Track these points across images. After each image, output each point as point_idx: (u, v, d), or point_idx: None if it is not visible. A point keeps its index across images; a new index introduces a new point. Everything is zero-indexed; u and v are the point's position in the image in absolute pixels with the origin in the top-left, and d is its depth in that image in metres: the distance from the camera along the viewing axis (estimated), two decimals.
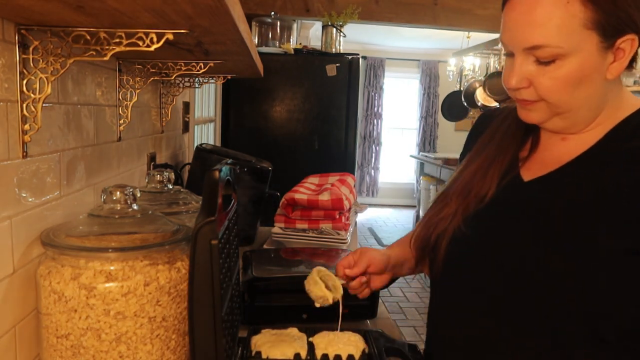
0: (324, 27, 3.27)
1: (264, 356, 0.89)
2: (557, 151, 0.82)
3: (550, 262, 0.73)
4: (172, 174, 1.19)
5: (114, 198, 0.85)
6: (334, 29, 3.23)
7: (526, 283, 0.76)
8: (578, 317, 0.72)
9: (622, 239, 0.69)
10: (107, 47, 0.80)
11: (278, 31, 3.40)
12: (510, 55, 0.78)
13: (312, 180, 2.01)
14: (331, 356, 0.89)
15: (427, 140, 8.03)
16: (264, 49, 3.19)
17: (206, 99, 2.99)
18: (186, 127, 2.26)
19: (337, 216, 1.70)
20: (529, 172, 0.84)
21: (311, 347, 0.92)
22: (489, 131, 0.93)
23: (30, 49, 0.79)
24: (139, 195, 0.88)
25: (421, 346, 0.98)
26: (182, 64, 1.26)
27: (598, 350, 0.73)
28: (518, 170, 0.85)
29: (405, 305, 4.03)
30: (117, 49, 0.80)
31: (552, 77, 0.73)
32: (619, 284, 0.69)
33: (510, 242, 0.79)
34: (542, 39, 0.70)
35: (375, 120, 7.85)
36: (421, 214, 6.17)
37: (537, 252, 0.75)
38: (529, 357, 0.76)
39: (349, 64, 3.12)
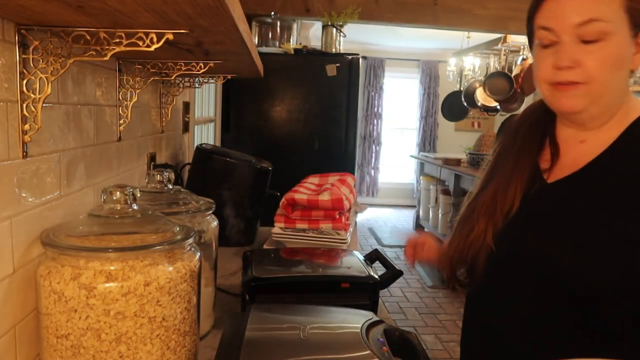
0: (324, 27, 3.27)
1: None
2: (577, 153, 0.88)
3: (573, 255, 0.80)
4: (172, 174, 1.19)
5: (114, 198, 0.85)
6: (334, 29, 3.23)
7: (554, 281, 0.83)
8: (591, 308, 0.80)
9: (624, 231, 0.78)
10: (107, 47, 0.80)
11: (278, 31, 3.40)
12: (549, 46, 0.85)
13: (312, 180, 2.01)
14: None
15: (427, 140, 8.03)
16: (264, 49, 3.19)
17: (206, 99, 2.99)
18: (186, 127, 2.26)
19: (337, 216, 1.70)
20: (552, 177, 0.90)
21: None
22: (507, 137, 0.99)
23: (30, 49, 0.79)
24: (139, 195, 0.88)
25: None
26: (182, 64, 1.26)
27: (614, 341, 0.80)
28: (543, 180, 0.91)
29: (405, 305, 4.03)
30: (117, 49, 0.80)
31: (598, 57, 0.80)
32: (621, 272, 0.77)
33: (538, 245, 0.86)
34: (596, 12, 0.79)
35: (375, 120, 7.85)
36: (421, 214, 6.17)
37: (561, 248, 0.82)
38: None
39: (349, 64, 3.12)
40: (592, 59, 0.80)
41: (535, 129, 0.94)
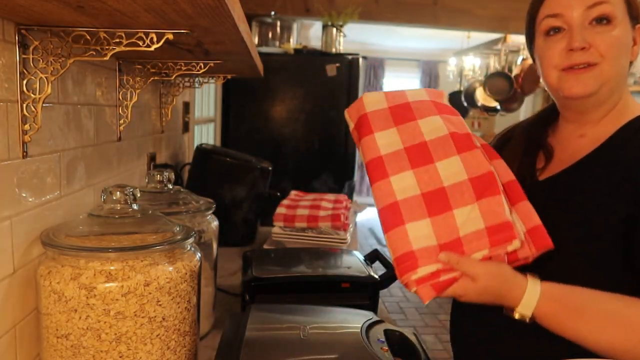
0: (324, 27, 3.27)
1: None
2: (576, 147, 0.91)
3: (560, 245, 0.81)
4: (172, 174, 1.19)
5: (114, 198, 0.85)
6: (334, 29, 3.23)
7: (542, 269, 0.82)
8: None
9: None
10: (107, 47, 0.80)
11: (278, 31, 3.40)
12: (558, 32, 0.87)
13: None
14: None
15: None
16: (264, 49, 3.19)
17: (206, 99, 2.99)
18: (186, 127, 2.26)
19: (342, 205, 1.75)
20: (544, 175, 0.93)
21: None
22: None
23: (30, 49, 0.79)
24: (139, 195, 0.88)
25: None
26: (182, 64, 1.26)
27: None
28: (535, 177, 0.93)
29: (405, 305, 4.03)
30: (117, 49, 0.80)
31: (607, 37, 0.83)
32: (582, 267, 0.81)
33: None
34: None
35: None
36: None
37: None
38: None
39: (349, 64, 3.12)
40: (602, 39, 0.83)
41: (527, 137, 0.98)
